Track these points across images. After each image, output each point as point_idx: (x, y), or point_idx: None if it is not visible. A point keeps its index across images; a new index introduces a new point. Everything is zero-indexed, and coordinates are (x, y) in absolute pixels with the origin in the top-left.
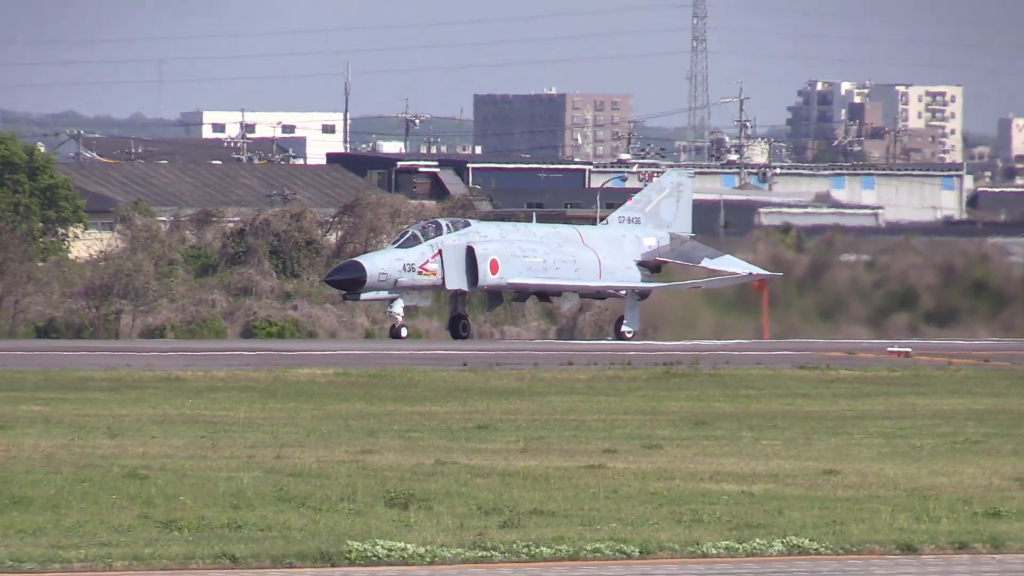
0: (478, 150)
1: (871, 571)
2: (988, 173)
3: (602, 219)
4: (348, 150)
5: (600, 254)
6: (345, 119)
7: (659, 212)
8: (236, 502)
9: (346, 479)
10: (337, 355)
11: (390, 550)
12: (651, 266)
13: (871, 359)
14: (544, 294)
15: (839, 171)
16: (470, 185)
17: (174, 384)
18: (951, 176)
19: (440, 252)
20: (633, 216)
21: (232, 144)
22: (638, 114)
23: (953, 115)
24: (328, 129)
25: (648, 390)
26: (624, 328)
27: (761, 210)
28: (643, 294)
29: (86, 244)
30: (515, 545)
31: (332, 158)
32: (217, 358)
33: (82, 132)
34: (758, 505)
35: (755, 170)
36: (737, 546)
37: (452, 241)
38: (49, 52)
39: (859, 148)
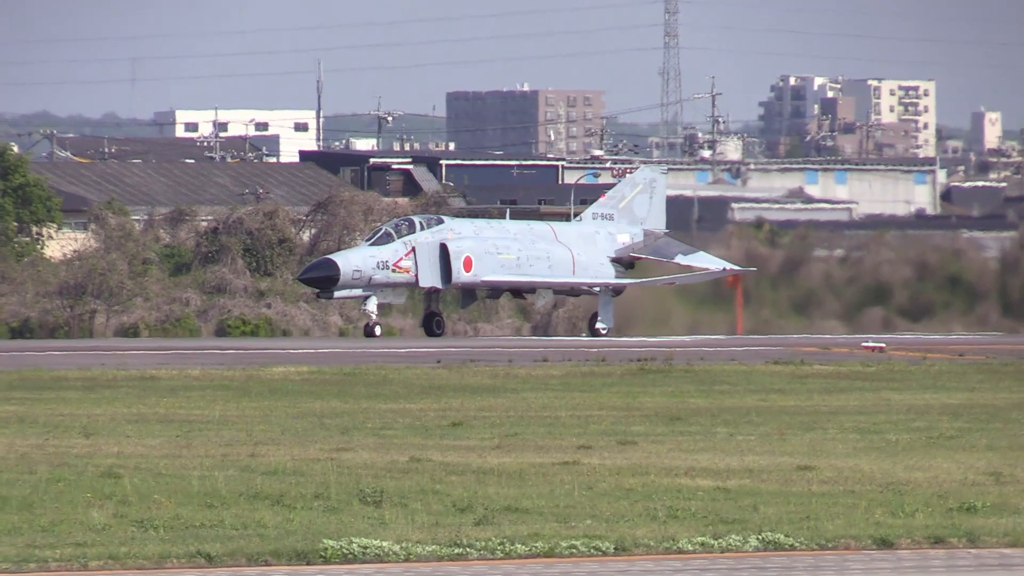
0: (451, 147)
1: (847, 566)
2: (961, 167)
3: (576, 215)
4: (321, 148)
5: (574, 251)
6: (318, 117)
7: (632, 208)
8: (211, 501)
9: (321, 477)
10: (311, 353)
11: (365, 548)
12: (625, 262)
13: (845, 354)
14: (518, 291)
15: (812, 166)
16: (443, 182)
17: (148, 383)
18: (924, 171)
19: (414, 249)
20: (607, 212)
21: (205, 143)
22: (611, 110)
23: (926, 109)
24: (301, 127)
25: (622, 386)
26: (598, 324)
27: (734, 205)
28: (617, 290)
29: (60, 244)
30: (490, 542)
31: (305, 156)
32: (191, 357)
33: (55, 132)
34: (733, 501)
35: (728, 165)
36: (712, 542)
37: (426, 238)
38: (22, 51)
39: (832, 143)
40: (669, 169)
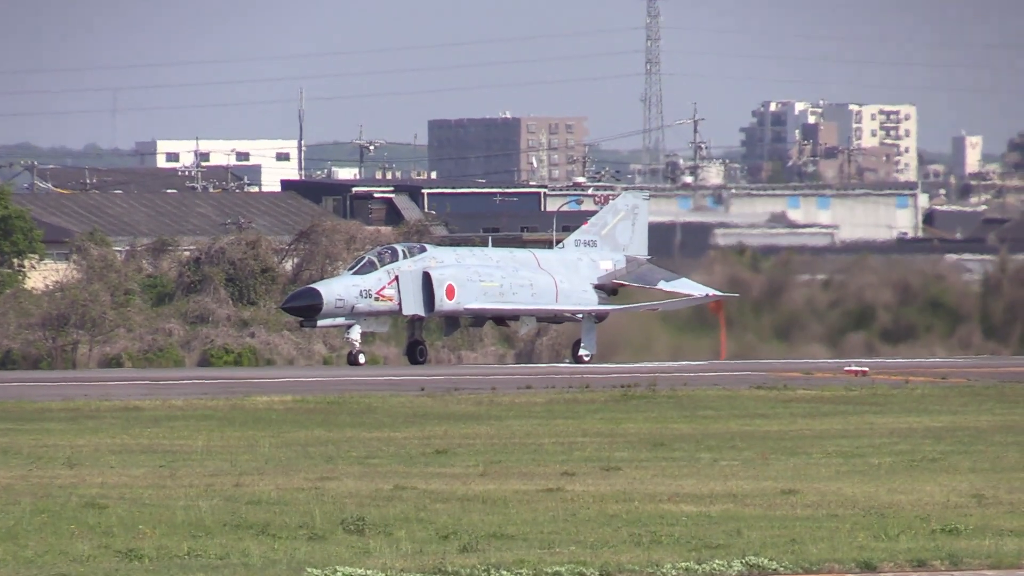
0: (433, 175)
1: None
2: (943, 191)
3: (558, 243)
4: (303, 177)
5: (557, 278)
6: (299, 146)
7: (615, 235)
8: (195, 531)
9: (305, 506)
10: (295, 382)
11: None
12: (608, 289)
13: (828, 378)
14: (501, 318)
15: (794, 191)
16: (425, 210)
17: (132, 414)
18: (906, 195)
19: (396, 278)
20: (589, 239)
21: (187, 173)
22: (593, 137)
23: (907, 133)
24: (283, 156)
25: (606, 412)
26: (582, 351)
27: (717, 231)
28: (600, 317)
29: (42, 275)
30: (475, 569)
31: (287, 185)
32: (175, 387)
33: (36, 163)
34: (717, 526)
35: (710, 191)
36: (696, 567)
37: (408, 267)
38: (2, 82)
39: (814, 168)
40: (651, 195)
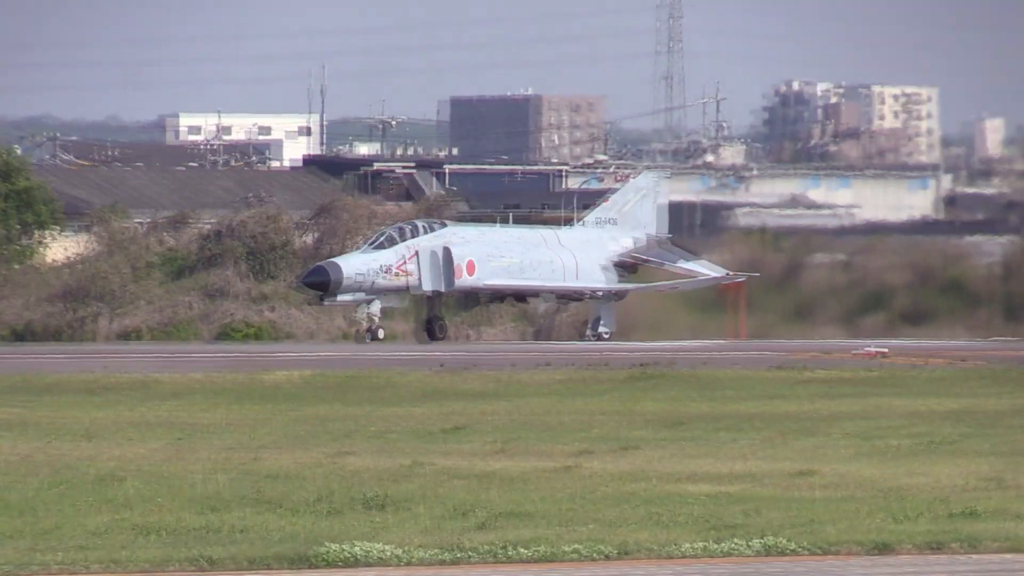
0: (454, 152)
1: (848, 571)
2: (963, 172)
3: (578, 221)
4: (324, 152)
5: (576, 255)
6: (321, 121)
7: (635, 213)
8: (212, 504)
9: (322, 481)
10: (313, 357)
11: (367, 552)
12: (627, 267)
13: (846, 359)
14: (520, 295)
15: (814, 171)
16: (446, 187)
17: (150, 387)
18: (926, 176)
19: (416, 253)
20: (609, 217)
21: (208, 146)
22: (614, 115)
23: (929, 114)
24: (304, 131)
25: (624, 391)
26: (600, 329)
27: (736, 211)
28: (619, 295)
29: (62, 247)
30: (492, 546)
31: (308, 160)
32: (193, 360)
33: (58, 135)
34: (734, 505)
35: (730, 171)
36: (714, 546)
37: (428, 242)
38: (24, 54)
39: (834, 148)
40: (671, 174)
